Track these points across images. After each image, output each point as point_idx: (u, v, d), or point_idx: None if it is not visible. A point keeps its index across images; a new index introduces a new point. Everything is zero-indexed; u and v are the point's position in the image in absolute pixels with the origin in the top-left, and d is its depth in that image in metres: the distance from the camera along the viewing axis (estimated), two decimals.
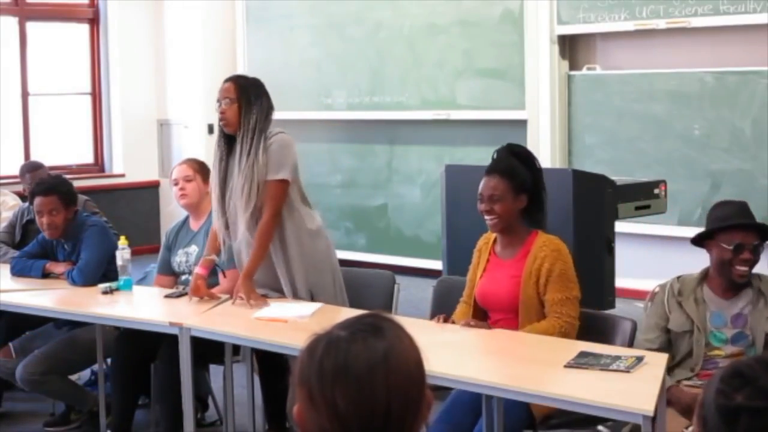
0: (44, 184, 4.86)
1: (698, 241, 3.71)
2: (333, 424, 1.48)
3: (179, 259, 4.74)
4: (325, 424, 1.48)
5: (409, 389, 1.52)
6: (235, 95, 4.29)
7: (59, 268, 4.80)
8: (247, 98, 4.29)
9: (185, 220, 4.87)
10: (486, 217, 3.79)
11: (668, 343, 3.72)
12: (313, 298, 4.30)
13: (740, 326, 3.64)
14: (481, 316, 3.84)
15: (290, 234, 4.31)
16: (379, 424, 1.49)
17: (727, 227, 3.62)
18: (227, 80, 4.38)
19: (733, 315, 3.65)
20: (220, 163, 4.34)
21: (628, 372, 3.16)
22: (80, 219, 4.83)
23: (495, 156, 3.89)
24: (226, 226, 4.33)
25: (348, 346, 1.50)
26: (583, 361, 3.26)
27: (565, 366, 3.24)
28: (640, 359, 3.25)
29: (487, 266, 3.87)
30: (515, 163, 3.81)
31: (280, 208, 4.28)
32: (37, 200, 4.75)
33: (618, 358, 3.27)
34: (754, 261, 3.62)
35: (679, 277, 3.78)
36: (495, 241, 3.89)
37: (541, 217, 3.85)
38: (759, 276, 3.70)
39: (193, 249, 4.66)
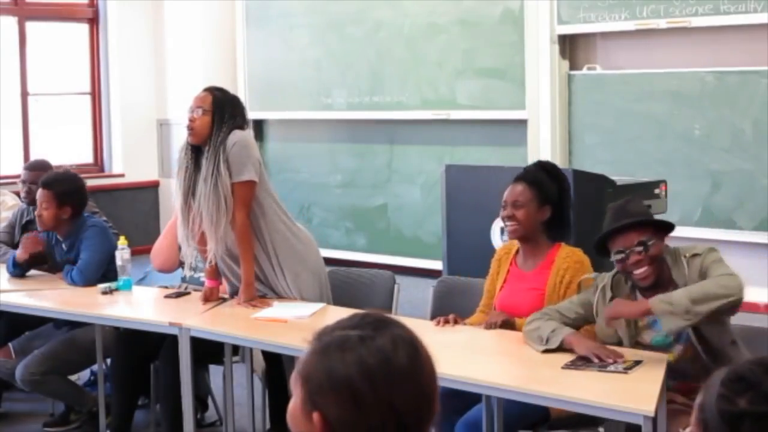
0: (47, 177, 4.87)
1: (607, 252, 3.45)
2: (387, 421, 1.46)
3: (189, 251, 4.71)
4: (376, 423, 1.46)
5: (435, 372, 1.55)
6: (210, 107, 4.18)
7: (23, 255, 4.79)
8: (221, 114, 4.18)
9: None
10: (507, 223, 3.81)
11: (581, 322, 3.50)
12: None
13: None
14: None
15: (266, 236, 4.29)
16: (426, 412, 1.50)
17: (606, 236, 3.41)
18: (205, 89, 4.27)
19: None
20: (185, 173, 4.23)
21: (625, 373, 3.15)
22: (81, 219, 4.83)
23: (525, 168, 3.94)
24: (193, 238, 4.26)
25: (381, 342, 1.49)
26: (580, 363, 3.25)
27: (563, 367, 3.23)
28: (638, 362, 3.24)
29: (507, 277, 3.89)
30: (543, 176, 3.85)
31: (249, 208, 4.22)
32: (38, 191, 4.78)
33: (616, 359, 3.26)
34: (649, 258, 3.34)
35: (615, 276, 3.52)
36: (517, 252, 3.90)
37: (566, 232, 3.87)
38: (674, 252, 3.41)
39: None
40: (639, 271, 3.35)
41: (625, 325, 3.44)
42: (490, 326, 3.70)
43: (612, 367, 3.19)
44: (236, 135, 4.18)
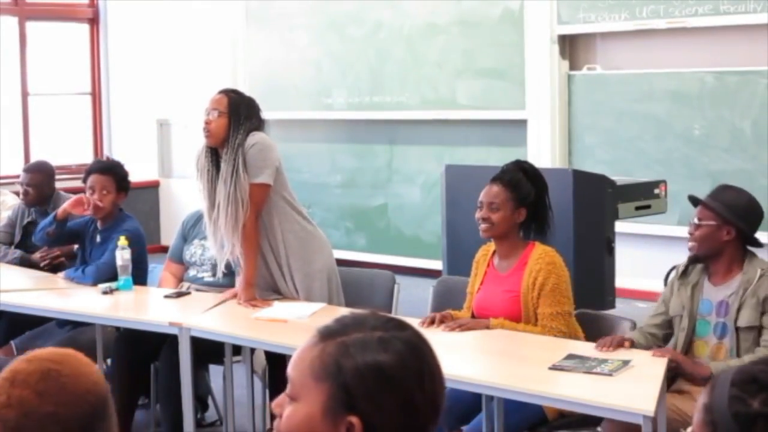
0: (103, 163, 4.90)
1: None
2: (429, 422, 1.45)
3: (194, 250, 4.72)
4: (421, 424, 1.44)
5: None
6: (226, 109, 4.20)
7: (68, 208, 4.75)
8: (237, 116, 4.20)
9: None
10: (480, 225, 3.79)
11: (669, 325, 3.69)
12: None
13: (722, 316, 3.56)
14: None
15: (279, 236, 4.29)
16: (437, 415, 1.48)
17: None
18: (221, 92, 4.29)
19: (719, 302, 3.58)
20: (208, 175, 4.24)
21: (610, 375, 3.15)
22: (122, 217, 4.84)
23: (503, 168, 3.90)
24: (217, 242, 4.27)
25: (415, 341, 1.47)
26: (568, 364, 3.26)
27: (550, 368, 3.24)
28: (626, 362, 3.25)
29: (484, 278, 3.88)
30: (521, 177, 3.81)
31: (260, 211, 4.24)
32: (94, 177, 4.76)
33: (604, 361, 3.27)
34: (696, 236, 3.60)
35: (688, 263, 3.72)
36: (494, 253, 3.89)
37: (544, 232, 3.84)
38: (756, 261, 3.61)
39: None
40: (689, 243, 3.64)
41: (689, 295, 3.62)
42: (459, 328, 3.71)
43: (598, 369, 3.20)
44: (256, 137, 4.20)
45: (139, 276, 4.69)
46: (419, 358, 1.46)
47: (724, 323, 3.56)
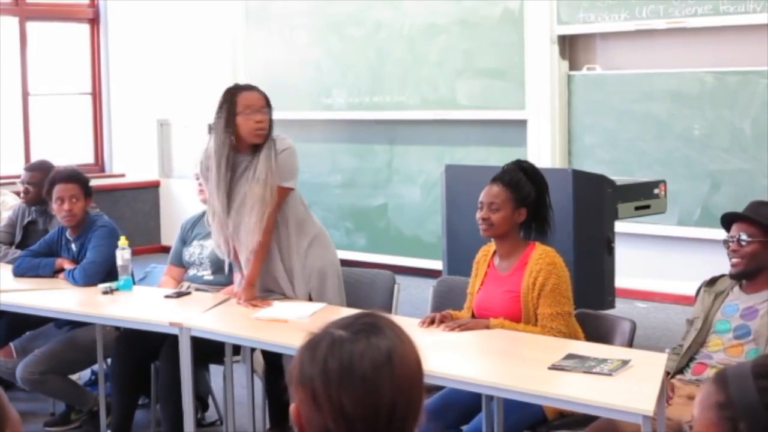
0: (66, 172, 4.87)
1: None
2: (338, 424, 1.48)
3: (192, 250, 4.73)
4: (330, 424, 1.48)
5: (412, 389, 1.52)
6: (267, 107, 4.24)
7: (70, 265, 4.79)
8: (271, 109, 4.27)
9: (203, 214, 4.79)
10: (481, 225, 3.80)
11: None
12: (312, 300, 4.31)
13: (748, 320, 3.58)
14: None
15: (292, 239, 4.30)
16: (383, 424, 1.49)
17: (726, 226, 3.67)
18: (254, 88, 4.27)
19: (747, 306, 3.60)
20: (226, 175, 4.20)
21: (610, 375, 3.15)
22: (90, 218, 4.83)
23: (503, 168, 3.90)
24: (225, 242, 4.29)
25: (352, 346, 1.50)
26: (567, 364, 3.26)
27: (549, 368, 3.24)
28: (625, 362, 3.25)
29: (484, 279, 3.88)
30: (521, 177, 3.81)
31: (277, 214, 4.26)
32: (60, 187, 4.74)
33: (604, 360, 3.26)
34: (743, 252, 3.58)
35: (718, 277, 3.77)
36: (494, 253, 3.89)
37: (545, 232, 3.84)
38: None
39: (210, 243, 4.61)
40: (731, 260, 3.63)
41: (710, 301, 3.66)
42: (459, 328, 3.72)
43: (597, 369, 3.20)
44: (286, 141, 4.28)
45: (116, 273, 4.67)
46: (343, 365, 1.48)
47: (747, 326, 3.58)
